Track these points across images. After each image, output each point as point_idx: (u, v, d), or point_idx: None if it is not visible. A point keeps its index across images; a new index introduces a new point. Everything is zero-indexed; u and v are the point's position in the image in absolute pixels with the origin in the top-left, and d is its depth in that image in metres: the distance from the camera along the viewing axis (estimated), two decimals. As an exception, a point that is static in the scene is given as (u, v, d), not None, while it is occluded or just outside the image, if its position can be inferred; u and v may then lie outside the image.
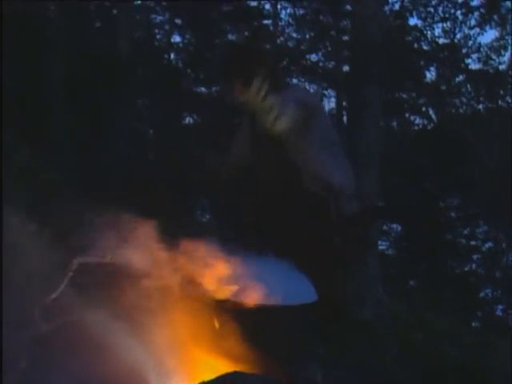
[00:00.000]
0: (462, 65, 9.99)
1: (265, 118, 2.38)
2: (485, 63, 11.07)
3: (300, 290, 2.19)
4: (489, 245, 12.17)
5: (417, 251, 12.37)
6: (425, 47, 9.26)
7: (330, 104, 11.63)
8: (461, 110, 10.91)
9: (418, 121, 11.48)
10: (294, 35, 11.23)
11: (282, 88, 2.62)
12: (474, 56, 10.90)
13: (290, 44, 11.33)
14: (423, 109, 11.16)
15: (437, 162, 10.63)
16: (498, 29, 10.83)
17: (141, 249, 1.96)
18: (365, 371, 3.59)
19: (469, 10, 10.76)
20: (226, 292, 2.02)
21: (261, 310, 2.00)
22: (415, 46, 8.45)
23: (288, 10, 11.85)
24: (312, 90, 2.70)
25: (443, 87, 9.76)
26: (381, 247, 13.87)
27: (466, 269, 12.14)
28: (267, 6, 13.99)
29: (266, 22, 13.71)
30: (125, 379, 1.98)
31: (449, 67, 9.00)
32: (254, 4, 13.33)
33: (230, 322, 2.01)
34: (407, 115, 11.46)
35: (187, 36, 13.83)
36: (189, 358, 2.11)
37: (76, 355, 2.03)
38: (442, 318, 7.60)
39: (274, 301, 2.04)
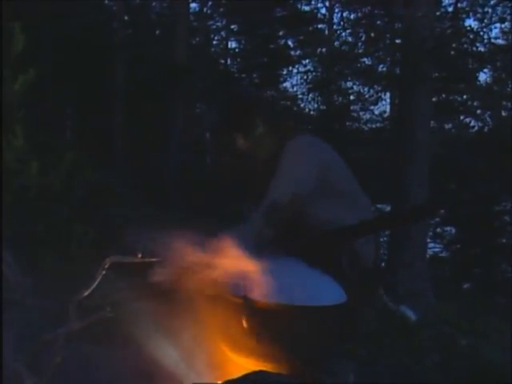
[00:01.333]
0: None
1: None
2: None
3: (327, 291, 2.20)
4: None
5: (470, 255, 12.21)
6: (481, 49, 9.19)
7: (384, 107, 11.67)
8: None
9: (473, 123, 11.39)
10: (349, 39, 11.31)
11: (291, 137, 2.46)
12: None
13: (345, 47, 11.41)
14: (478, 111, 11.05)
15: (491, 165, 10.49)
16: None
17: (169, 247, 2.04)
18: (401, 374, 3.51)
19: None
20: (253, 291, 2.02)
21: (288, 310, 2.05)
22: (470, 47, 8.39)
23: (341, 14, 11.92)
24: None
25: (498, 89, 9.64)
26: (434, 250, 13.74)
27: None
28: (322, 11, 14.16)
29: (320, 26, 13.86)
30: (153, 376, 2.03)
31: (504, 69, 8.90)
32: (307, 9, 13.50)
33: (257, 322, 2.05)
34: (462, 117, 11.37)
35: (243, 42, 14.09)
36: (216, 356, 2.19)
37: (105, 351, 2.16)
38: (493, 323, 7.51)
39: (300, 301, 2.08)
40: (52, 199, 3.82)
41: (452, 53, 6.95)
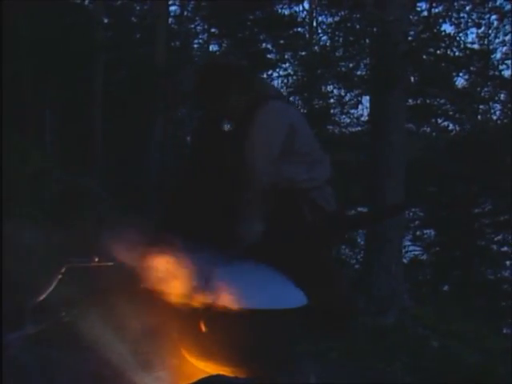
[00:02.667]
0: (495, 72, 9.94)
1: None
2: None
3: (287, 294, 2.20)
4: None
5: (449, 257, 12.31)
6: (456, 53, 9.26)
7: (364, 111, 11.75)
8: (494, 117, 10.90)
9: (451, 127, 11.49)
10: (328, 42, 11.36)
11: (262, 103, 2.52)
12: (509, 62, 10.81)
13: (324, 51, 11.47)
14: (456, 115, 11.15)
15: (469, 168, 10.60)
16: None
17: (131, 252, 2.03)
18: (370, 376, 3.53)
19: (503, 15, 10.76)
20: (211, 296, 2.03)
21: (246, 314, 2.05)
22: (445, 52, 8.46)
23: (317, 18, 11.98)
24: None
25: (475, 93, 9.74)
26: (414, 252, 13.83)
27: (499, 275, 12.01)
28: (302, 14, 14.19)
29: (300, 29, 13.91)
30: (110, 381, 2.03)
31: (480, 74, 8.99)
32: (288, 12, 13.52)
33: (215, 326, 2.06)
34: (440, 121, 11.48)
35: (224, 45, 14.10)
36: (175, 359, 2.20)
37: (66, 355, 2.12)
38: (470, 326, 7.55)
39: (258, 304, 2.08)
40: (18, 199, 3.81)
41: (425, 57, 6.99)
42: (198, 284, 2.11)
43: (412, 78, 7.49)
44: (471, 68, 8.33)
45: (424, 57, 7.12)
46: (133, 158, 11.56)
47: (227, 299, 2.07)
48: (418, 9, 8.66)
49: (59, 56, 9.77)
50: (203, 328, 2.08)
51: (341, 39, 9.69)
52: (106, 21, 12.22)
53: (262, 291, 2.20)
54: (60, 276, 1.99)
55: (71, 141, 10.92)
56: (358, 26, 8.35)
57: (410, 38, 6.30)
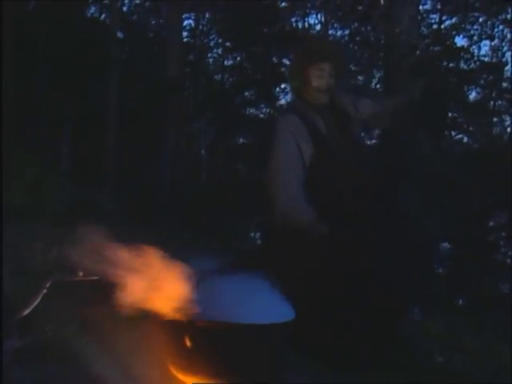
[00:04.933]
0: (508, 84, 9.90)
1: None
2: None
3: (274, 308, 2.17)
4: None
5: (465, 271, 12.17)
6: (469, 66, 9.24)
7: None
8: (508, 129, 10.82)
9: (465, 140, 11.41)
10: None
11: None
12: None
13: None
14: (470, 128, 11.09)
15: (484, 181, 10.51)
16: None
17: (115, 267, 2.03)
18: None
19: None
20: (195, 309, 2.05)
21: (231, 328, 2.05)
22: (456, 64, 8.44)
23: (331, 31, 12.02)
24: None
25: (488, 106, 9.69)
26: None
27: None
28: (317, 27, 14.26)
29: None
30: None
31: (492, 87, 8.94)
32: (300, 26, 13.60)
33: (201, 340, 2.05)
34: (454, 134, 11.40)
35: (238, 58, 14.19)
36: (161, 374, 2.19)
37: (50, 368, 2.11)
38: (483, 340, 7.44)
39: (244, 319, 2.06)
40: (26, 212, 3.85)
41: (435, 70, 6.96)
42: (184, 296, 2.10)
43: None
44: (482, 81, 8.29)
45: (434, 70, 7.10)
46: (146, 171, 11.63)
47: (212, 313, 2.06)
48: (431, 21, 8.71)
49: (74, 70, 9.90)
50: (188, 342, 2.07)
51: (352, 52, 9.72)
52: (121, 35, 12.36)
53: (249, 305, 2.19)
54: (45, 290, 2.00)
55: (86, 154, 11.02)
56: (368, 39, 8.37)
57: (419, 51, 6.29)
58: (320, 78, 2.84)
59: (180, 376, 2.16)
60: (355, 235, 2.67)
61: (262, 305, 2.22)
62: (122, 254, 2.08)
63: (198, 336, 2.07)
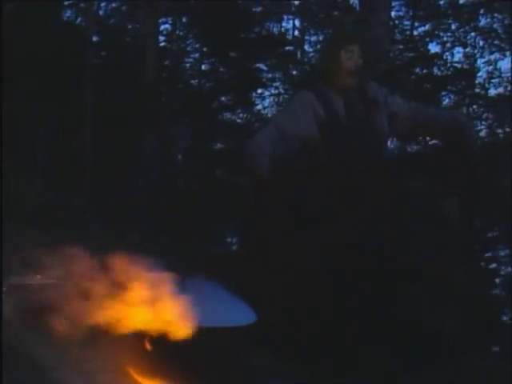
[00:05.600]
0: (481, 91, 10.03)
1: None
2: (505, 88, 11.10)
3: (235, 312, 2.19)
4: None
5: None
6: (442, 72, 9.35)
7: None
8: (481, 134, 10.95)
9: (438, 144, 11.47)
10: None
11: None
12: (495, 81, 10.94)
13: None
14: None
15: (457, 186, 10.62)
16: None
17: (77, 272, 2.02)
18: None
19: (489, 34, 10.87)
20: (158, 315, 2.05)
21: (192, 332, 2.04)
22: (429, 70, 8.53)
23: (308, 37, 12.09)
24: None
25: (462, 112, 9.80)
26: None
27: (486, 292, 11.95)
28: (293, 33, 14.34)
29: (292, 48, 14.02)
30: None
31: (465, 93, 9.06)
32: (280, 31, 13.65)
33: (161, 344, 2.05)
34: (428, 139, 11.47)
35: (215, 63, 14.17)
36: (122, 379, 2.19)
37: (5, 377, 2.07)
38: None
39: (206, 322, 2.07)
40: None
41: (405, 75, 7.05)
42: (146, 300, 2.10)
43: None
44: (454, 87, 8.40)
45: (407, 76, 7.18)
46: (123, 175, 11.56)
47: (174, 317, 2.07)
48: (404, 27, 8.80)
49: (50, 74, 9.82)
50: (148, 346, 2.08)
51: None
52: (97, 39, 12.30)
53: (210, 309, 2.20)
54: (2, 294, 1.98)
55: (62, 158, 10.93)
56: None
57: (391, 57, 6.37)
58: (349, 59, 2.98)
59: (141, 380, 2.15)
60: (337, 231, 2.69)
61: (224, 308, 2.24)
62: (86, 258, 2.07)
63: (159, 339, 2.08)
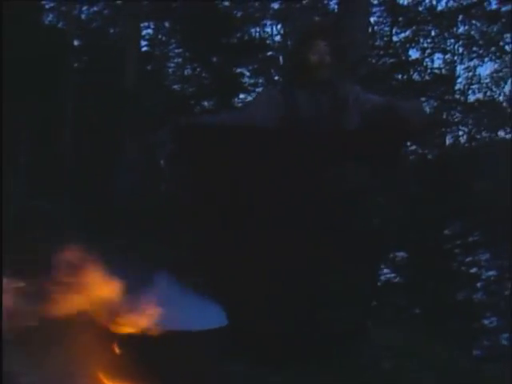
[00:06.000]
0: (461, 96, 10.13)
1: None
2: (485, 94, 11.24)
3: (205, 315, 2.21)
4: (492, 273, 12.07)
5: (421, 280, 12.32)
6: (422, 78, 9.43)
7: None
8: (462, 140, 11.08)
9: (419, 150, 11.61)
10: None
11: None
12: (474, 87, 11.07)
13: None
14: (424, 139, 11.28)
15: (438, 190, 10.70)
16: (498, 61, 11.00)
17: (46, 275, 2.00)
18: None
19: (470, 41, 11.00)
20: (128, 318, 2.03)
21: (162, 336, 2.03)
22: (411, 76, 8.60)
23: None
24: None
25: (441, 118, 9.90)
26: (387, 276, 13.81)
27: (468, 297, 12.04)
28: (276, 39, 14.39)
29: (273, 53, 14.05)
30: None
31: (444, 99, 9.15)
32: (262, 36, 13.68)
33: (130, 348, 2.04)
34: (409, 144, 11.58)
35: (198, 69, 14.17)
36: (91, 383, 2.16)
37: None
38: (437, 347, 7.52)
39: (175, 326, 2.06)
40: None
41: (385, 81, 7.09)
42: (115, 303, 2.09)
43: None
44: (432, 93, 8.47)
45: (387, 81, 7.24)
46: (104, 181, 11.51)
47: (142, 320, 2.05)
48: (383, 33, 8.87)
49: (31, 78, 9.76)
50: (117, 350, 2.06)
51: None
52: (78, 43, 12.25)
53: (180, 312, 2.18)
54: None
55: (42, 163, 10.87)
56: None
57: (369, 62, 6.41)
58: (314, 54, 2.96)
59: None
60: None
61: (194, 311, 2.22)
62: (58, 263, 2.05)
63: (129, 343, 2.06)
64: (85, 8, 13.30)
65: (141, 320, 2.06)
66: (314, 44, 2.97)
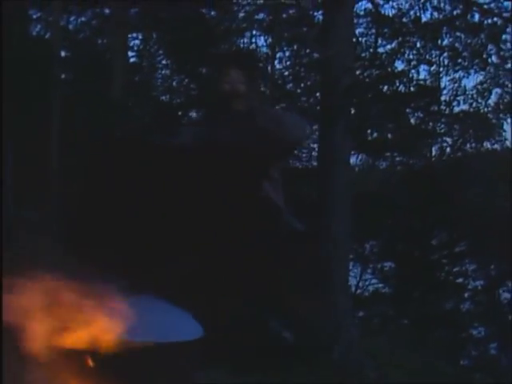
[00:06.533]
0: (447, 107, 10.21)
1: None
2: (470, 105, 11.32)
3: (181, 327, 2.21)
4: (479, 282, 12.17)
5: (408, 290, 12.39)
6: (408, 90, 9.49)
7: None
8: (448, 150, 11.15)
9: (405, 161, 11.68)
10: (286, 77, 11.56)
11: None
12: (460, 98, 11.14)
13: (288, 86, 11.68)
14: (411, 150, 11.35)
15: (424, 201, 10.78)
16: (482, 73, 11.09)
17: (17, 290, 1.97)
18: None
19: (455, 54, 11.07)
20: (102, 330, 2.01)
21: (137, 348, 2.01)
22: (396, 88, 8.65)
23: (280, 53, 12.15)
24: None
25: (427, 129, 9.98)
26: (376, 286, 13.87)
27: (456, 307, 12.12)
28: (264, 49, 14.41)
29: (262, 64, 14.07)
30: None
31: (429, 110, 9.21)
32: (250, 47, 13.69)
33: (104, 360, 2.00)
34: (395, 155, 11.67)
35: (186, 80, 14.19)
36: None
37: None
38: (424, 356, 7.53)
39: (150, 338, 2.04)
40: None
41: (372, 93, 7.14)
42: (90, 317, 2.07)
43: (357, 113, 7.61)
44: (418, 104, 8.54)
45: (370, 92, 7.28)
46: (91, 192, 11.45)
47: (117, 332, 2.04)
48: (368, 44, 8.89)
49: (17, 89, 9.72)
50: (90, 363, 2.04)
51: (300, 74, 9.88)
52: (65, 54, 12.23)
53: (155, 324, 2.18)
54: None
55: (28, 174, 10.81)
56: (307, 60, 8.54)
57: (353, 73, 6.44)
58: (227, 83, 3.05)
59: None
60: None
61: (170, 323, 2.22)
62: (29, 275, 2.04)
63: (103, 356, 2.04)
64: (72, 18, 13.30)
65: (116, 332, 2.04)
66: (228, 73, 3.09)
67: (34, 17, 12.68)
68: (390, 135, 10.69)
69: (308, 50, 8.32)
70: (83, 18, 13.63)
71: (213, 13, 11.39)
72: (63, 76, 11.40)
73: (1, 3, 7.57)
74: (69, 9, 12.50)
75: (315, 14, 7.79)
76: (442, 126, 11.01)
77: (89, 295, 2.10)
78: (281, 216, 2.99)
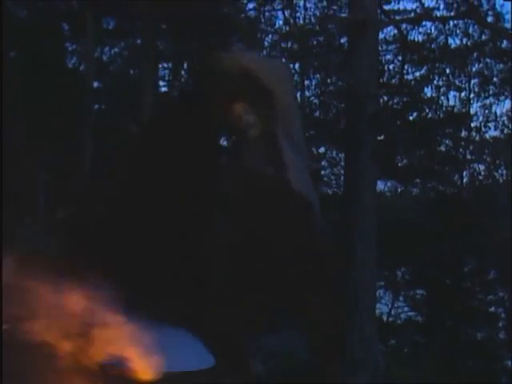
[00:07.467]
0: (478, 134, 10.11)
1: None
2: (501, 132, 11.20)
3: (194, 356, 2.22)
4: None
5: (439, 318, 12.14)
6: (438, 117, 9.42)
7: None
8: (480, 177, 11.01)
9: (436, 187, 11.53)
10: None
11: None
12: (490, 124, 11.03)
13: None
14: (442, 176, 11.22)
15: (455, 228, 10.63)
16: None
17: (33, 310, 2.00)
18: None
19: (485, 80, 10.98)
20: (118, 358, 2.03)
21: (153, 377, 2.05)
22: (426, 114, 8.61)
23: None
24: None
25: (458, 155, 9.89)
26: (408, 314, 13.63)
27: (489, 336, 11.82)
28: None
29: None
30: None
31: (460, 137, 9.13)
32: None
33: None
34: (425, 181, 11.53)
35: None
36: None
37: None
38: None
39: (165, 367, 2.09)
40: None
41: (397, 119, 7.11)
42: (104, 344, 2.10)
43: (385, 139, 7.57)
44: (448, 130, 8.47)
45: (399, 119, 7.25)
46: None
47: (133, 362, 2.06)
48: (395, 71, 8.88)
49: (51, 119, 9.93)
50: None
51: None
52: (97, 85, 12.49)
53: (170, 354, 2.20)
54: None
55: (60, 202, 10.97)
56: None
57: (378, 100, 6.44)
58: (236, 117, 3.67)
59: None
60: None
61: (184, 353, 2.24)
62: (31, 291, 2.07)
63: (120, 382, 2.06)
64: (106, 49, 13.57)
65: (133, 360, 2.07)
66: (235, 108, 3.33)
67: (70, 49, 13.00)
68: (419, 161, 10.61)
69: (333, 78, 8.36)
70: (116, 49, 13.91)
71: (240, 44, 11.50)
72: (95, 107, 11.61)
73: (1, 3, 7.77)
74: (102, 40, 12.80)
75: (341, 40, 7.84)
76: (473, 152, 10.90)
77: (108, 320, 2.13)
78: (313, 212, 3.17)
